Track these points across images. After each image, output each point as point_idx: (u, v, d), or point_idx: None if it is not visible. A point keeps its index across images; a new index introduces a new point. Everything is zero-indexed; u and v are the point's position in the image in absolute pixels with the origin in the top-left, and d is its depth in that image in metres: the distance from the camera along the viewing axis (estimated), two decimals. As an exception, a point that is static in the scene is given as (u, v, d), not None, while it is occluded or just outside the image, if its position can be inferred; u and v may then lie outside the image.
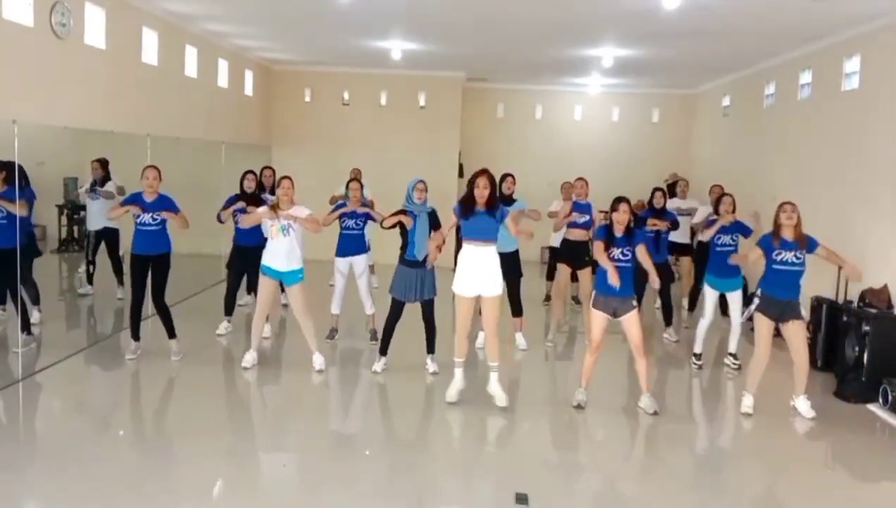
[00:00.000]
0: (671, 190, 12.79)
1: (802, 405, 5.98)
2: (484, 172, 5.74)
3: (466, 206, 5.72)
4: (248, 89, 12.49)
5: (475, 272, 5.74)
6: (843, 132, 8.26)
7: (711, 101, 13.41)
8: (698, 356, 7.28)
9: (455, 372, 5.93)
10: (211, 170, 10.16)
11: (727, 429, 6.09)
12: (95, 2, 7.49)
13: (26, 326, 6.82)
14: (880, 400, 6.22)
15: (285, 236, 6.43)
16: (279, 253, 6.47)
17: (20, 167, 6.48)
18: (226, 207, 7.45)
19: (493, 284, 5.77)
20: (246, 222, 6.67)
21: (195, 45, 10.05)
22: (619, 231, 5.82)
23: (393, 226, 6.47)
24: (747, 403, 6.02)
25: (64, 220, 8.88)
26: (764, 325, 5.92)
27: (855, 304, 7.00)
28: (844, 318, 6.92)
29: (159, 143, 8.68)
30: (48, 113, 6.86)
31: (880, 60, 7.58)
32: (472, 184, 5.70)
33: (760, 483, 5.01)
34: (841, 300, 7.28)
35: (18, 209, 6.45)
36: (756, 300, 5.98)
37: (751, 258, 6.15)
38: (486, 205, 5.67)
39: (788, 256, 5.81)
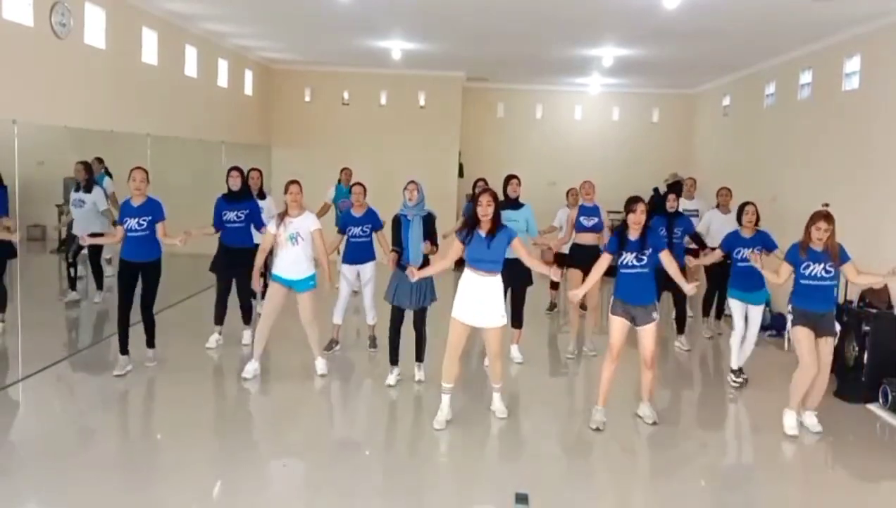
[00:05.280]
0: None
1: (810, 419, 5.64)
2: (487, 190, 5.39)
3: (467, 228, 5.27)
4: (248, 89, 12.50)
5: (474, 302, 5.29)
6: (843, 132, 8.26)
7: (711, 101, 13.41)
8: (736, 372, 6.71)
9: (442, 398, 5.48)
10: (211, 170, 10.15)
11: (737, 443, 5.87)
12: (95, 2, 7.50)
13: None
14: (880, 400, 6.22)
15: (294, 245, 6.22)
16: (289, 262, 6.28)
17: None
18: (216, 215, 7.04)
19: (493, 316, 5.33)
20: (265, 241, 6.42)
21: (195, 45, 10.06)
22: (633, 234, 5.38)
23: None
24: (790, 423, 5.54)
25: (64, 220, 8.84)
26: (803, 335, 5.39)
27: (855, 304, 7.00)
28: (844, 318, 6.90)
29: (159, 143, 8.69)
30: (48, 113, 6.87)
31: (880, 60, 7.58)
32: (475, 201, 5.28)
33: (759, 483, 5.02)
34: (841, 300, 7.27)
35: None
36: (790, 318, 5.50)
37: (782, 276, 5.54)
38: (487, 229, 5.21)
39: (817, 269, 5.36)
